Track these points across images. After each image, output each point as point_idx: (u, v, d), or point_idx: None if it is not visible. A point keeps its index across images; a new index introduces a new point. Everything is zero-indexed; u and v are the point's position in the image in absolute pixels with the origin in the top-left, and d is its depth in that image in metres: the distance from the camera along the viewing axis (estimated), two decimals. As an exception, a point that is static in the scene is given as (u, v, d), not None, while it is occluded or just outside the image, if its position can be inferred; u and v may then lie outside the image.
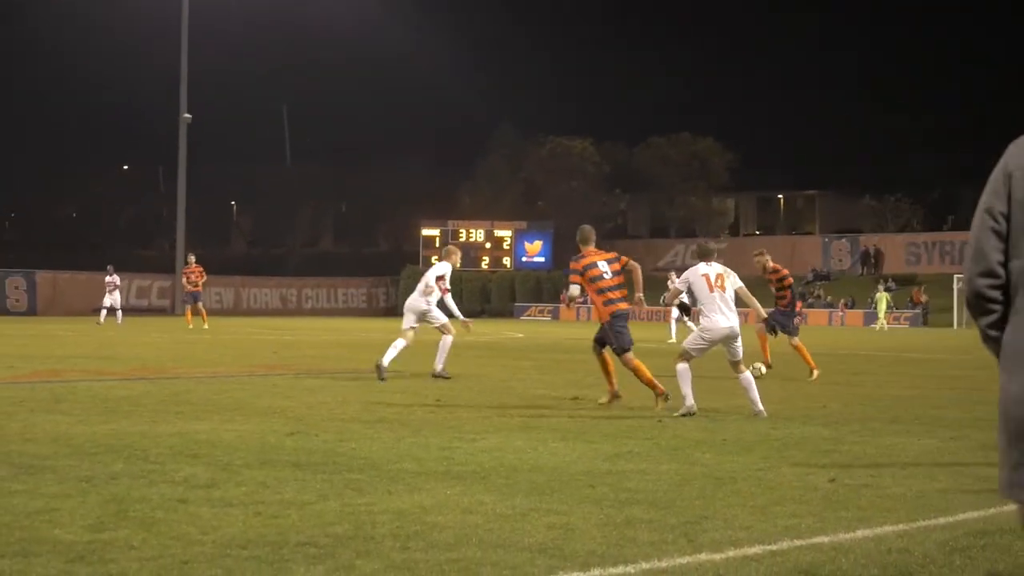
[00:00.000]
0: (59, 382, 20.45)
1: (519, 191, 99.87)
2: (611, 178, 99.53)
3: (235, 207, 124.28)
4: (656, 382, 17.40)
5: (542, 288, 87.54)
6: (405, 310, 23.50)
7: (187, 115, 74.00)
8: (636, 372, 17.69)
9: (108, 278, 54.04)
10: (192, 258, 50.69)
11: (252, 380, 21.93)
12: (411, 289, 25.07)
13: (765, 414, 16.36)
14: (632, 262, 18.38)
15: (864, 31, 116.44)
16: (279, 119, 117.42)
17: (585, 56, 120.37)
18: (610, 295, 17.84)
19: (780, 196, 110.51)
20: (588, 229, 18.54)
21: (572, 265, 18.19)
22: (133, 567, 7.34)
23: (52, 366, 24.56)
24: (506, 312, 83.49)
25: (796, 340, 25.31)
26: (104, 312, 53.31)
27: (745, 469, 11.60)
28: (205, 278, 49.72)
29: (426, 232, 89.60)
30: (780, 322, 25.46)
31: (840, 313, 78.47)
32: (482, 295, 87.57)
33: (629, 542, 8.30)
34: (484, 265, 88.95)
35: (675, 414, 16.15)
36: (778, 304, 25.80)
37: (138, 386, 19.93)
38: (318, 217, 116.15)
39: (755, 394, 16.69)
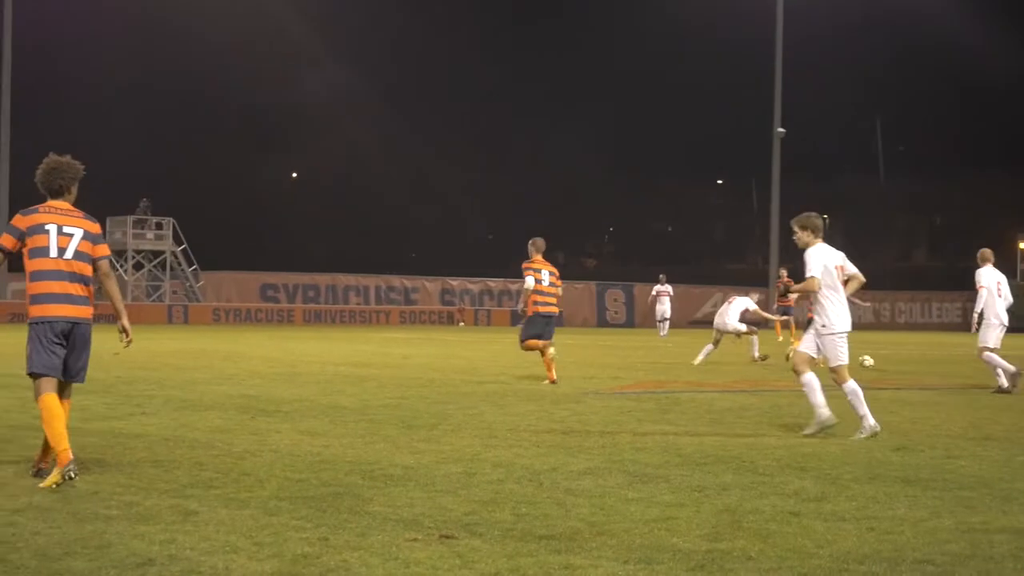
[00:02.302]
0: (663, 393, 20.92)
1: None
2: None
3: (827, 220, 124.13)
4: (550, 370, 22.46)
5: None
6: None
7: (781, 129, 74.18)
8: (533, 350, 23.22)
9: (659, 287, 54.26)
10: (784, 272, 50.72)
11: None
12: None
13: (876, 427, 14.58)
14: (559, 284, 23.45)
15: None
16: (873, 131, 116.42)
17: None
18: (543, 298, 22.89)
19: None
20: (540, 242, 23.45)
21: (525, 265, 23.06)
22: (753, 578, 7.45)
23: (654, 377, 25.16)
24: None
25: None
26: (665, 324, 53.68)
27: None
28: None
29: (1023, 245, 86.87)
30: None
31: None
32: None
33: None
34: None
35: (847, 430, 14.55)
36: None
37: (739, 398, 20.13)
38: (911, 230, 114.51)
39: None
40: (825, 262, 14.83)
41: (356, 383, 21.87)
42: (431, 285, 72.37)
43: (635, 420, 15.97)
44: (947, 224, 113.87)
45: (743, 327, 31.15)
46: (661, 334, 52.46)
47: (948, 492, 10.57)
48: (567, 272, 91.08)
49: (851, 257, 15.24)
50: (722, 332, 31.26)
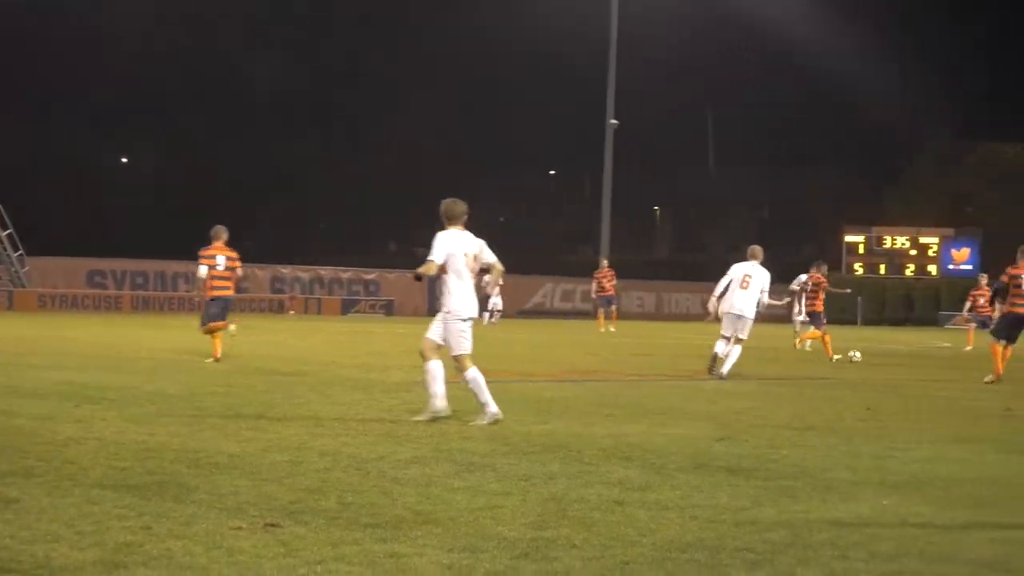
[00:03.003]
0: (492, 382, 20.83)
1: (947, 197, 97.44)
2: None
3: (658, 212, 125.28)
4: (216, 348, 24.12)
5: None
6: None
7: (613, 121, 74.66)
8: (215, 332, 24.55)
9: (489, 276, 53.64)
10: (605, 262, 51.48)
11: (679, 384, 22.07)
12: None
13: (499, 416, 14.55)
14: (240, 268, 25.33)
15: None
16: (704, 124, 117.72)
17: (1018, 57, 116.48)
18: (216, 283, 24.63)
19: None
20: (219, 230, 25.05)
21: (200, 252, 24.72)
22: (576, 565, 7.50)
23: (484, 366, 25.16)
24: (930, 321, 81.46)
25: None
26: (488, 314, 53.21)
27: None
28: (615, 281, 50.64)
29: (849, 238, 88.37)
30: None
31: None
32: (905, 303, 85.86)
33: (1079, 560, 8.06)
34: (908, 272, 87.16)
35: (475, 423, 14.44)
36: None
37: (568, 388, 20.30)
38: (741, 222, 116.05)
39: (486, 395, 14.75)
40: (451, 249, 14.74)
41: (183, 371, 21.68)
42: (261, 273, 71.61)
43: (463, 409, 16.00)
44: (776, 217, 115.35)
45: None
46: (486, 322, 52.25)
47: (770, 481, 10.75)
48: (400, 261, 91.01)
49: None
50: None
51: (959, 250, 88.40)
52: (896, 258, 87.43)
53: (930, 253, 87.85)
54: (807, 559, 7.79)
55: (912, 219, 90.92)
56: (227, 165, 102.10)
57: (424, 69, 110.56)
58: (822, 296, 33.44)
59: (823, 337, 32.05)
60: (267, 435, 12.93)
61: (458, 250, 14.77)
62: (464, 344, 14.79)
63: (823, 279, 33.83)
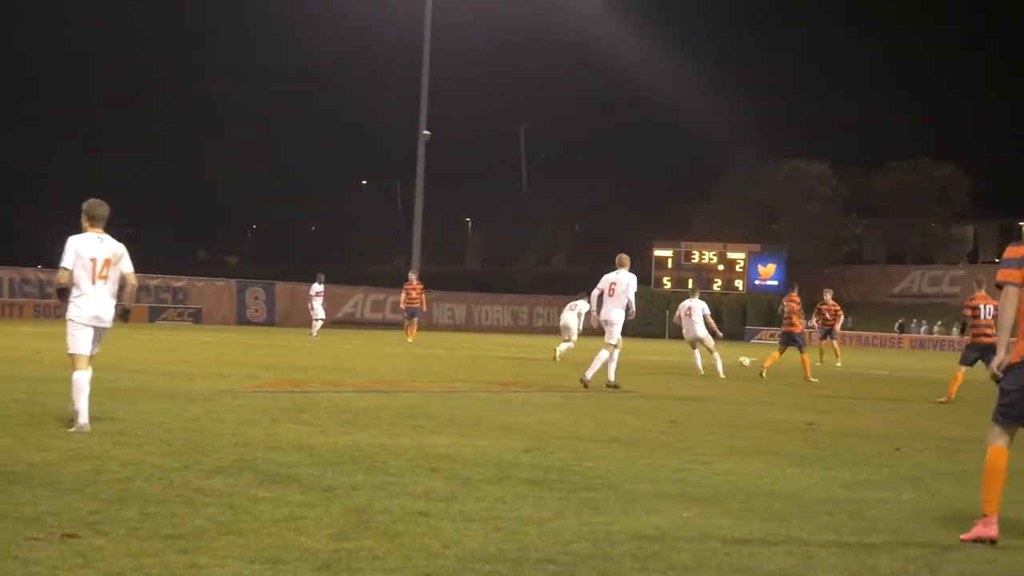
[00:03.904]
0: (300, 392, 20.87)
1: (754, 213, 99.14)
2: (848, 202, 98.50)
3: (470, 224, 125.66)
4: None
5: (774, 311, 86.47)
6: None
7: (426, 132, 74.64)
8: None
9: (317, 287, 53.59)
10: (413, 275, 51.68)
11: (487, 396, 22.11)
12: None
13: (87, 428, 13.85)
14: None
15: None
16: (516, 138, 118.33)
17: (824, 77, 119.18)
18: None
19: (1023, 223, 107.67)
20: None
21: None
22: (378, 577, 7.50)
23: (293, 376, 25.05)
24: (737, 335, 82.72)
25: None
26: (318, 324, 52.86)
27: (987, 502, 11.34)
28: (423, 294, 51.15)
29: (659, 253, 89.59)
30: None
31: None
32: (713, 317, 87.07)
33: (870, 571, 8.24)
34: (716, 287, 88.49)
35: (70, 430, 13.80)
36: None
37: (375, 398, 20.24)
38: (552, 236, 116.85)
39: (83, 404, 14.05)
40: (80, 251, 14.31)
41: (-17, 378, 21.18)
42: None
43: (270, 419, 15.88)
44: (587, 231, 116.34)
45: (711, 340, 32.38)
46: (313, 335, 51.86)
47: (574, 493, 10.83)
48: (208, 270, 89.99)
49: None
50: (697, 341, 33.88)
51: (765, 266, 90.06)
52: (704, 272, 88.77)
53: (737, 268, 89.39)
54: (607, 571, 7.87)
55: (720, 234, 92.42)
56: (40, 170, 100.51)
57: (235, 81, 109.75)
58: (796, 318, 33.89)
59: (803, 357, 32.82)
60: (69, 444, 12.70)
61: (86, 254, 14.31)
62: (77, 344, 14.31)
63: (796, 302, 34.21)
